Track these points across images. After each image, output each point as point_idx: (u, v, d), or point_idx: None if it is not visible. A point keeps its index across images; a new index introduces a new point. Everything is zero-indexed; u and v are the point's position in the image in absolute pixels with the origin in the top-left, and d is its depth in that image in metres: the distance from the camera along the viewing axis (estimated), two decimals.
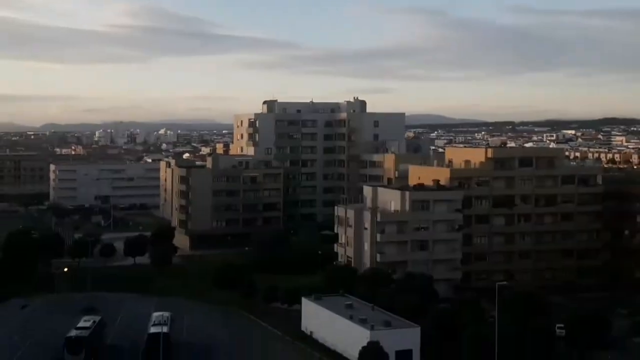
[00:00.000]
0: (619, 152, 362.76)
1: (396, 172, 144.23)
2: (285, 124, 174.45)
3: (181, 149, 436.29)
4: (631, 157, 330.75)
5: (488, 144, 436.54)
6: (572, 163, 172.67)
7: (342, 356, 77.64)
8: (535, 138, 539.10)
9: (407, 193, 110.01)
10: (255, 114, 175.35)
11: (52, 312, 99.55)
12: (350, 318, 78.64)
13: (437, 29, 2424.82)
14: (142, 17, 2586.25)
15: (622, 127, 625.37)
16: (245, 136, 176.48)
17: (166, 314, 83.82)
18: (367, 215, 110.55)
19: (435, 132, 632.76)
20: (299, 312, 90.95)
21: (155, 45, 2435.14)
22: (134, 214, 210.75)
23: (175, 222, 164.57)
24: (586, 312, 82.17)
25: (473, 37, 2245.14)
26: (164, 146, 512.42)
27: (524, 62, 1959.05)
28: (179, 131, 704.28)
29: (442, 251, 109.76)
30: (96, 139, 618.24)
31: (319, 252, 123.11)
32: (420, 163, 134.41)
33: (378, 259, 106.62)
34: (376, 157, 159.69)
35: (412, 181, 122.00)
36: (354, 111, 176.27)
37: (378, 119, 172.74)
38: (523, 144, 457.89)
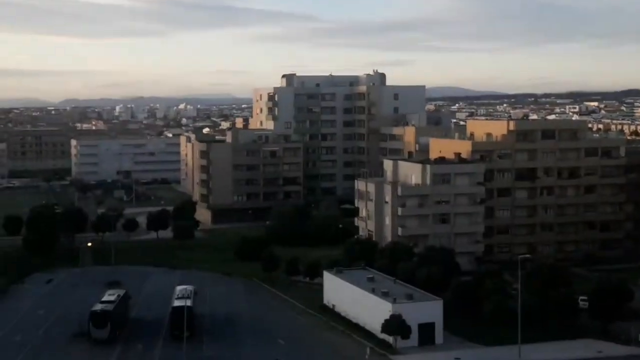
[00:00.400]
0: None
1: (417, 146, 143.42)
2: (305, 97, 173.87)
3: (201, 124, 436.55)
4: None
5: (510, 116, 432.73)
6: (595, 135, 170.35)
7: (365, 329, 78.05)
8: (557, 110, 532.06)
9: (428, 166, 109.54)
10: (275, 88, 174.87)
11: (77, 286, 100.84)
12: (373, 291, 78.86)
13: (457, 0, 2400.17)
14: None
15: None
16: (265, 110, 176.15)
17: (189, 287, 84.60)
18: (387, 189, 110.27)
19: (457, 105, 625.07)
20: (321, 285, 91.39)
21: (175, 20, 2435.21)
22: (155, 189, 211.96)
23: (196, 197, 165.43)
24: (609, 284, 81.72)
25: (494, 8, 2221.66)
26: (184, 121, 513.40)
27: (545, 34, 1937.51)
28: (198, 106, 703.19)
29: (463, 224, 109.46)
30: (116, 114, 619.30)
31: (339, 225, 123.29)
32: (441, 136, 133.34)
33: (399, 233, 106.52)
34: (396, 131, 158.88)
35: (433, 154, 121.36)
36: (373, 84, 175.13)
37: (398, 92, 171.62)
38: (545, 116, 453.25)
